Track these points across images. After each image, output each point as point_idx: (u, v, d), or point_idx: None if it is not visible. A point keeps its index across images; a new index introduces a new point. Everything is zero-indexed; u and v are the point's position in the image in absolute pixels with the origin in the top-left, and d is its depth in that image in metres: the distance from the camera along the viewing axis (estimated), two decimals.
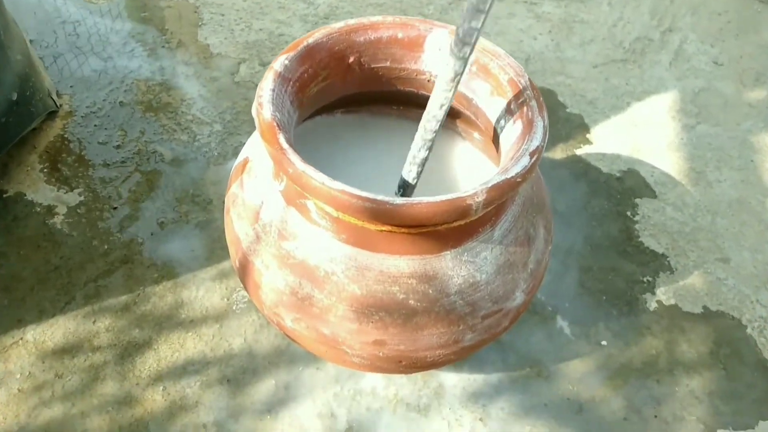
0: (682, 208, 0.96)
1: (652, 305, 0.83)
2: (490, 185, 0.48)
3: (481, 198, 0.48)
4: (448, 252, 0.54)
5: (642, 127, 1.07)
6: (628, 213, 0.94)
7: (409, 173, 0.59)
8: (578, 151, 1.01)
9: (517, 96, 0.57)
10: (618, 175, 0.99)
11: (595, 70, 1.16)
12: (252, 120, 1.02)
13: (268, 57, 1.11)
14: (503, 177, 0.49)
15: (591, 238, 0.90)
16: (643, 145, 1.04)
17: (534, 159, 0.50)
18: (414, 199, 0.47)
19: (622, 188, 0.97)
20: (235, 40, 1.14)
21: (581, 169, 0.99)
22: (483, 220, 0.54)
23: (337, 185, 0.48)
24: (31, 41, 1.08)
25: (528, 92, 0.56)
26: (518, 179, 0.49)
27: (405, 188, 0.61)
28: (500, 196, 0.49)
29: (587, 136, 1.05)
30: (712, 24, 1.27)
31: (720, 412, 0.74)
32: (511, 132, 0.56)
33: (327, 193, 0.48)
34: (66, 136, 0.95)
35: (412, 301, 0.54)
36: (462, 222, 0.52)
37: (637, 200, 0.96)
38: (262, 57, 1.11)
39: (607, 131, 1.06)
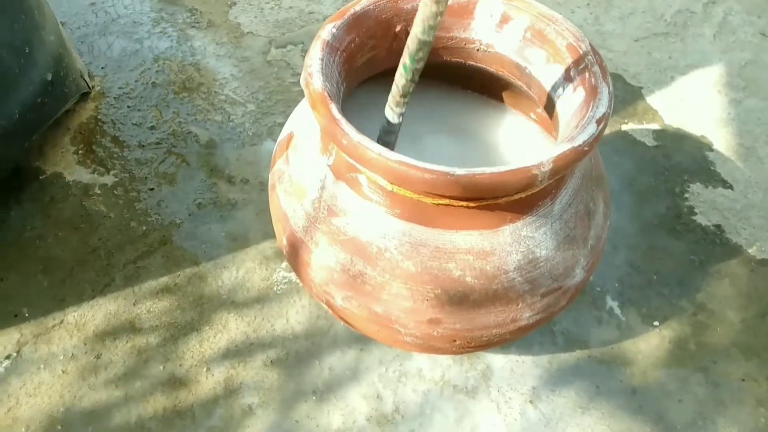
0: (732, 185, 0.92)
1: (705, 285, 0.80)
2: (556, 154, 0.46)
3: (547, 168, 0.45)
4: (507, 227, 0.51)
5: (687, 102, 1.03)
6: (677, 190, 0.90)
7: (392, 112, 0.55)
8: (623, 127, 0.98)
9: (577, 62, 0.54)
10: (664, 151, 0.95)
11: (636, 44, 1.12)
12: (286, 100, 1.00)
13: (299, 35, 1.09)
14: (570, 145, 0.46)
15: (639, 217, 0.87)
16: (689, 120, 1.00)
17: (601, 126, 0.48)
18: (476, 169, 0.45)
19: (670, 165, 0.93)
20: (265, 18, 1.12)
21: (626, 145, 0.96)
22: (543, 193, 0.51)
23: (396, 156, 0.45)
24: (62, 23, 1.07)
25: (589, 57, 0.53)
26: (585, 148, 0.47)
27: (388, 132, 0.56)
28: (567, 166, 0.46)
29: (631, 111, 1.01)
30: None
31: None
32: (572, 100, 0.53)
33: (384, 165, 0.46)
34: (99, 117, 0.94)
35: (468, 279, 0.51)
36: (523, 195, 0.49)
37: (686, 177, 0.92)
38: (293, 35, 1.09)
39: (651, 106, 1.02)
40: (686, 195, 0.90)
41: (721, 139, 0.98)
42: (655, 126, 0.99)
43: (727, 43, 1.13)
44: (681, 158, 0.94)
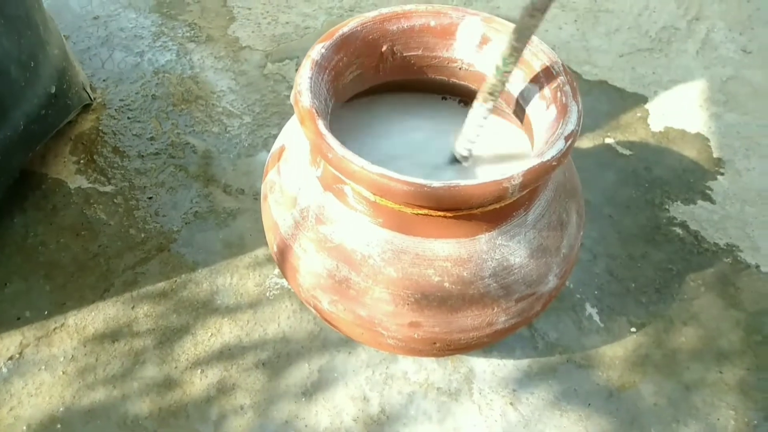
0: (711, 197, 0.95)
1: (681, 293, 0.83)
2: (526, 169, 0.49)
3: (517, 181, 0.49)
4: (483, 235, 0.55)
5: (669, 116, 1.07)
6: (657, 202, 0.94)
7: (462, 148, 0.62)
8: (606, 140, 1.01)
9: (550, 82, 0.57)
10: (646, 164, 0.99)
11: (621, 60, 1.16)
12: (280, 112, 1.04)
13: (294, 50, 1.13)
14: (539, 160, 0.50)
15: (619, 227, 0.90)
16: (671, 134, 1.04)
17: (569, 143, 0.51)
18: (451, 182, 0.48)
19: (650, 177, 0.97)
20: (262, 33, 1.16)
21: (609, 157, 0.99)
22: (517, 204, 0.55)
23: (377, 169, 0.49)
24: (66, 36, 1.11)
25: (561, 78, 0.56)
26: (553, 163, 0.50)
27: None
28: (536, 180, 0.50)
29: (614, 124, 1.04)
30: (740, 11, 1.26)
31: (752, 399, 0.74)
32: (545, 117, 0.57)
33: (366, 177, 0.49)
34: (101, 128, 0.98)
35: (447, 284, 0.55)
36: (497, 205, 0.52)
37: (666, 189, 0.95)
38: (289, 50, 1.13)
39: (634, 120, 1.05)
40: (666, 206, 0.93)
41: (701, 153, 1.01)
42: (638, 139, 1.02)
43: (709, 59, 1.17)
44: (662, 171, 0.98)
